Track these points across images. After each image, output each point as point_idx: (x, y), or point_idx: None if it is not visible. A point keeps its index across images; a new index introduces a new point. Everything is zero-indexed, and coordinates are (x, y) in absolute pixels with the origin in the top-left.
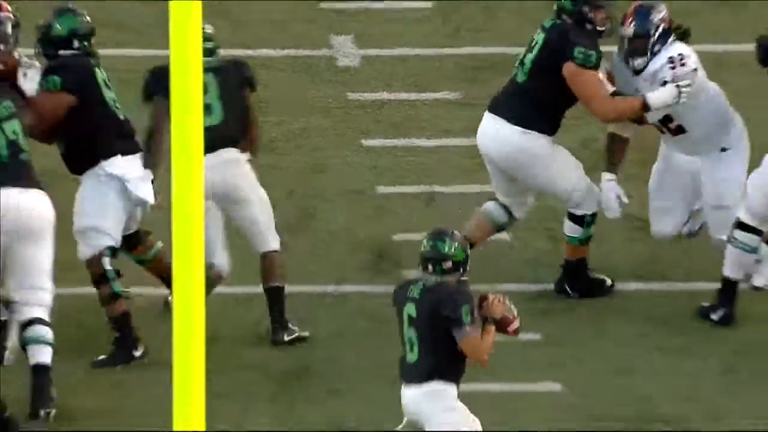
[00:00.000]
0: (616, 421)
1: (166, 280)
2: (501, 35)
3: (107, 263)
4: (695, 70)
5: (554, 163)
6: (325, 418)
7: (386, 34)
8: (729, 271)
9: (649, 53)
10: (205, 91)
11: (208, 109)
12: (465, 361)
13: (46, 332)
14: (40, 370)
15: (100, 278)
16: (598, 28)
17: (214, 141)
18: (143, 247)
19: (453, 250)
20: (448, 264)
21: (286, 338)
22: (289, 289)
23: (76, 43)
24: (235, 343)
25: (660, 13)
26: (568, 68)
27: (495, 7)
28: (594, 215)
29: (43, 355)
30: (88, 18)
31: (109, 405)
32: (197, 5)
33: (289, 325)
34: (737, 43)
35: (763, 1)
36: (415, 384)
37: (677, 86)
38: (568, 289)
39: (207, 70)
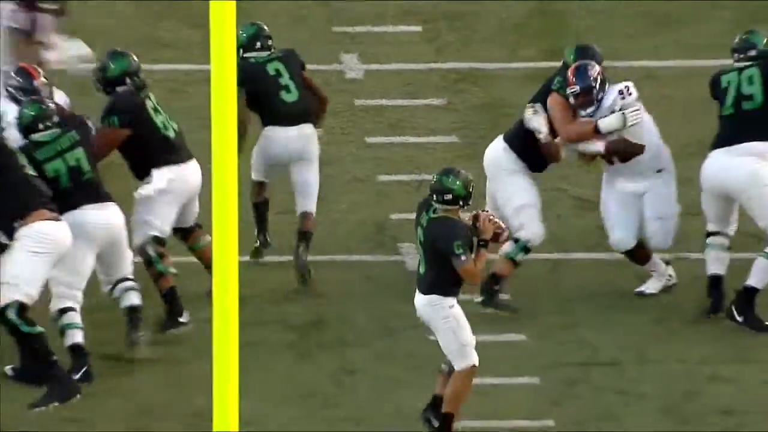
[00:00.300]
0: (567, 365)
1: (210, 268)
2: (476, 54)
3: (151, 250)
4: (638, 98)
5: (511, 182)
6: (336, 363)
7: (385, 53)
8: (713, 269)
9: (595, 102)
10: (280, 74)
11: (287, 89)
12: (460, 278)
13: (134, 284)
14: (133, 309)
15: (147, 262)
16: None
17: (295, 115)
18: (193, 237)
19: (454, 185)
20: (449, 196)
21: (305, 258)
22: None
23: (128, 81)
24: (261, 302)
25: (595, 68)
26: (550, 98)
27: (471, 31)
28: (529, 249)
29: (133, 298)
30: (135, 58)
31: (164, 355)
32: (231, 5)
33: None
34: (670, 60)
35: (687, 26)
36: (422, 292)
37: (623, 114)
38: (483, 296)
39: (275, 58)
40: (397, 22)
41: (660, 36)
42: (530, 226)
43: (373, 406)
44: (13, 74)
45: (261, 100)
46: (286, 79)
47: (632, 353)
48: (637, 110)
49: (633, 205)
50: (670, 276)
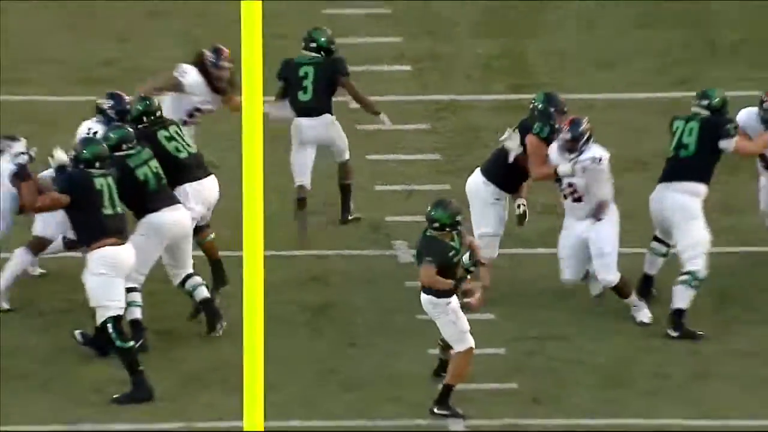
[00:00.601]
0: (527, 339)
1: (211, 259)
2: (454, 88)
3: None
4: (604, 168)
5: (484, 212)
6: (343, 337)
7: (381, 87)
8: (647, 269)
9: (578, 150)
10: (307, 77)
11: (305, 89)
12: (450, 280)
13: (201, 280)
14: (207, 301)
15: None
16: (556, 126)
17: (306, 109)
18: (202, 234)
19: (441, 215)
20: (437, 224)
21: (350, 217)
22: (315, 252)
23: (145, 119)
24: (279, 288)
25: (586, 124)
26: (528, 137)
27: (450, 70)
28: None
29: (204, 292)
30: (157, 101)
31: (204, 331)
32: (258, 5)
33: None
34: (606, 93)
35: (620, 67)
36: (424, 293)
37: (573, 166)
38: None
39: (312, 63)
40: (392, 63)
41: (599, 74)
42: (486, 251)
43: (371, 372)
44: (107, 98)
45: (287, 93)
46: (308, 82)
47: (580, 329)
48: (584, 170)
49: (582, 249)
50: None
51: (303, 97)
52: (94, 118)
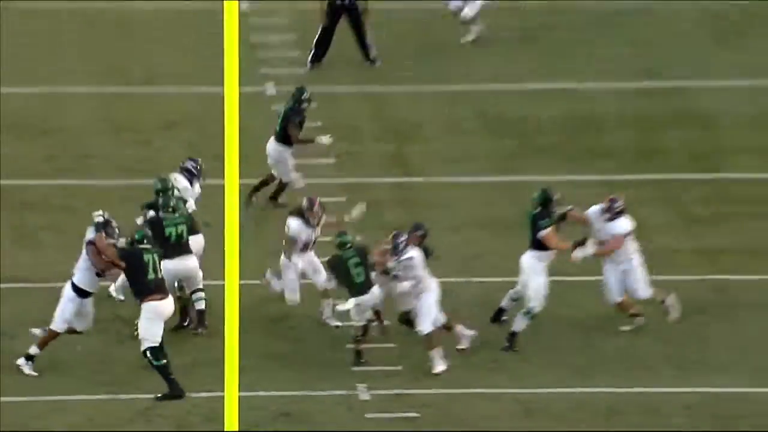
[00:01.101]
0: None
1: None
2: (363, 173)
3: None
4: (413, 267)
5: None
6: (294, 334)
7: (312, 172)
8: (503, 304)
9: (398, 254)
10: (279, 116)
11: (279, 124)
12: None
13: (204, 296)
14: (201, 312)
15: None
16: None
17: (276, 136)
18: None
19: (347, 239)
20: (349, 245)
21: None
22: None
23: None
24: (250, 304)
25: (402, 237)
26: None
27: (360, 162)
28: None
29: (202, 305)
30: (168, 179)
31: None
32: (234, 4)
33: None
34: (465, 177)
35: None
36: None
37: (396, 264)
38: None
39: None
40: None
41: (455, 166)
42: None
43: (315, 357)
44: (189, 160)
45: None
46: (279, 119)
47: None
48: (402, 265)
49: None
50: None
51: (277, 128)
52: (179, 174)
